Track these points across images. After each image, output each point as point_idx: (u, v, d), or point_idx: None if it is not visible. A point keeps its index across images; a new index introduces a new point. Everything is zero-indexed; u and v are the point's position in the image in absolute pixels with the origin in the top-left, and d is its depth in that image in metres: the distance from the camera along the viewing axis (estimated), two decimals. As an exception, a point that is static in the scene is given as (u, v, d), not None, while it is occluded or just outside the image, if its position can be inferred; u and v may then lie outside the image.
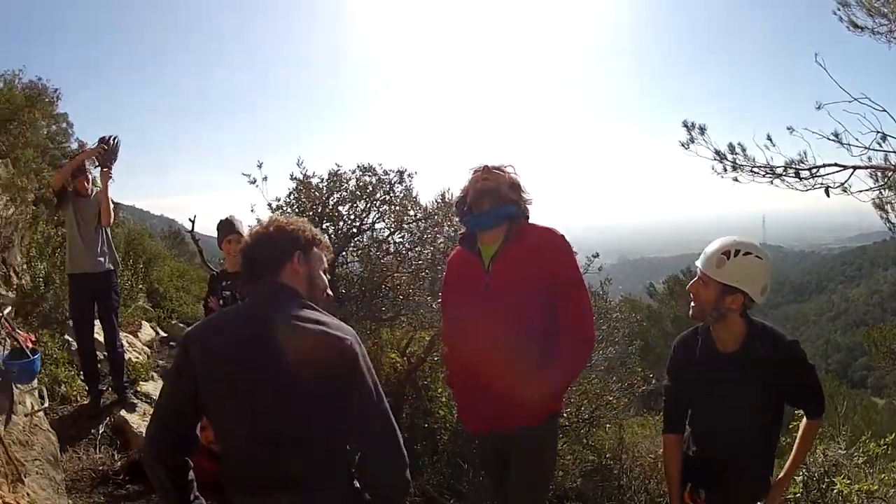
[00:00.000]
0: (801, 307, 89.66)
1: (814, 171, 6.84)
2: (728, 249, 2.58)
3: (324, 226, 6.68)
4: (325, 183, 6.81)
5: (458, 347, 3.12)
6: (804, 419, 2.86)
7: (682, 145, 7.32)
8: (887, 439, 5.23)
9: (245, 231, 4.37)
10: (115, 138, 5.69)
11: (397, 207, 6.77)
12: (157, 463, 1.91)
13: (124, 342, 6.53)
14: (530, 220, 2.93)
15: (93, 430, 5.33)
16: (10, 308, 5.14)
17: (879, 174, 6.83)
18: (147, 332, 9.22)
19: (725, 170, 7.31)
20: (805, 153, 6.87)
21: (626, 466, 7.15)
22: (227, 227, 4.48)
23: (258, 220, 6.51)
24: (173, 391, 1.96)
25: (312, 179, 6.81)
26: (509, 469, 3.00)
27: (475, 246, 2.94)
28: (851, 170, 6.71)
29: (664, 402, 3.02)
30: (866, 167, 6.72)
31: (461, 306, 3.03)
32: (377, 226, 6.89)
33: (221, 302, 4.36)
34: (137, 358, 7.33)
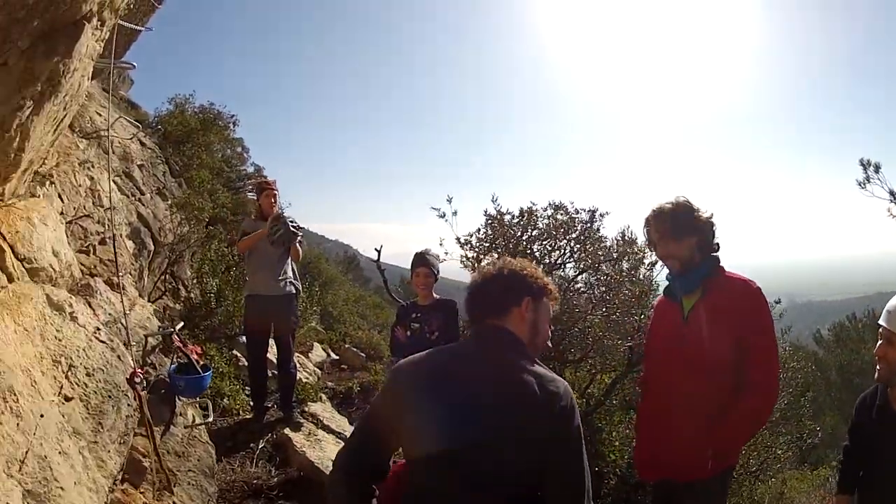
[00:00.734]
0: None
1: None
2: None
3: None
4: (518, 220, 6.77)
5: (651, 393, 3.18)
6: None
7: (860, 185, 6.79)
8: None
9: (438, 266, 4.58)
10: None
11: (589, 248, 6.66)
12: (343, 486, 1.90)
13: (296, 362, 6.58)
14: (725, 268, 2.94)
15: (251, 445, 5.34)
16: (181, 324, 5.39)
17: None
18: (318, 353, 9.46)
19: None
20: None
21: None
22: (418, 260, 4.57)
23: (465, 259, 6.65)
24: (376, 419, 1.94)
25: (505, 216, 6.77)
26: None
27: (678, 296, 2.99)
28: None
29: (842, 462, 3.11)
30: None
31: (659, 354, 3.14)
32: (567, 265, 6.81)
33: (409, 333, 4.42)
34: (307, 379, 7.44)
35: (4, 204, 3.24)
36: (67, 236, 4.12)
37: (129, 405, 3.64)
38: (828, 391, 15.89)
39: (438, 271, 4.64)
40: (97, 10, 3.01)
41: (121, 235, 5.36)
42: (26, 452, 2.54)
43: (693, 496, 2.87)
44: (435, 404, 1.80)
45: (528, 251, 6.67)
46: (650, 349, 3.32)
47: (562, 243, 6.71)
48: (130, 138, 7.15)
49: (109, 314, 4.17)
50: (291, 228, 5.49)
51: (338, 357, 9.83)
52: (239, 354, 6.94)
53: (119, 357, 3.79)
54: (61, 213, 4.19)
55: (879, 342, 2.61)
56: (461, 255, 6.83)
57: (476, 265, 6.73)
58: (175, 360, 4.84)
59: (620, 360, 6.68)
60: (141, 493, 3.63)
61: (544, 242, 6.76)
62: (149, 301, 5.96)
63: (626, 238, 6.77)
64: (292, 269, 5.80)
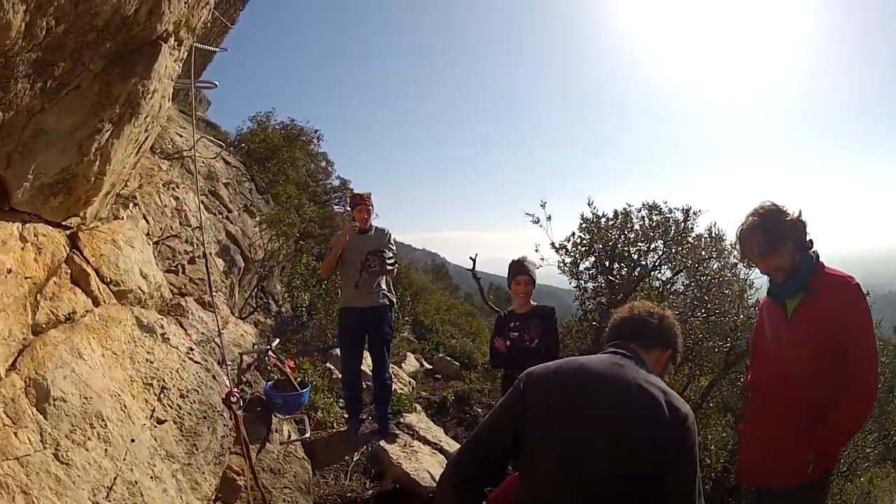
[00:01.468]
0: None
1: None
2: None
3: (614, 267, 6.66)
4: (613, 222, 6.73)
5: (757, 396, 3.15)
6: None
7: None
8: None
9: (535, 273, 4.49)
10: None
11: (684, 248, 6.56)
12: (453, 488, 1.94)
13: (391, 373, 6.49)
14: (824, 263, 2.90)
15: (346, 457, 5.25)
16: (276, 340, 5.38)
17: None
18: (412, 363, 9.34)
19: None
20: None
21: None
22: (517, 268, 4.48)
23: (563, 264, 6.70)
24: (496, 426, 1.99)
25: (601, 220, 6.73)
26: None
27: (781, 298, 2.96)
28: None
29: None
30: None
31: (765, 356, 3.12)
32: (662, 267, 6.77)
33: (508, 343, 4.37)
34: (402, 389, 7.36)
35: (87, 227, 3.24)
36: (155, 257, 4.13)
37: (224, 425, 3.58)
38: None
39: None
40: (174, 30, 2.95)
41: (210, 254, 5.40)
42: (115, 478, 2.48)
43: (794, 501, 2.88)
44: (561, 414, 1.85)
45: (626, 253, 6.62)
46: (755, 351, 3.30)
47: (657, 244, 6.63)
48: (214, 157, 7.30)
49: (202, 333, 4.16)
50: (387, 265, 5.51)
51: (431, 366, 9.69)
52: (332, 367, 6.93)
53: (214, 377, 3.74)
54: (147, 234, 4.21)
55: None
56: (558, 261, 6.84)
57: (574, 270, 6.78)
58: (271, 376, 4.81)
59: (717, 362, 6.50)
60: (235, 512, 3.56)
61: (640, 245, 6.67)
62: (240, 318, 6.00)
63: (714, 235, 6.64)
64: (386, 282, 5.73)
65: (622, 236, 6.72)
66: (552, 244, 6.81)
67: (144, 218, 4.24)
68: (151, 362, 3.23)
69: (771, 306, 3.06)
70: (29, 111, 2.28)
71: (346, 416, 5.93)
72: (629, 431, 1.78)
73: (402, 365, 8.96)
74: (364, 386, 6.20)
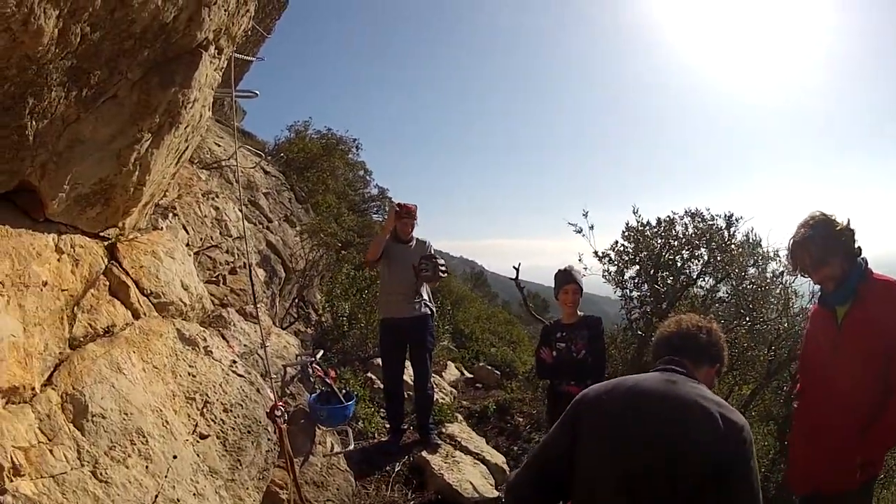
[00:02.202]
0: None
1: None
2: None
3: (659, 276, 6.62)
4: (657, 230, 6.69)
5: (806, 404, 3.19)
6: None
7: None
8: None
9: (582, 283, 4.44)
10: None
11: (727, 256, 6.44)
12: None
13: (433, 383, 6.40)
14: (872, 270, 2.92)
15: (387, 468, 5.17)
16: (321, 352, 5.33)
17: None
18: (452, 372, 9.25)
19: None
20: None
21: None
22: (565, 277, 4.41)
23: (607, 274, 6.66)
24: (552, 445, 2.00)
25: (646, 229, 6.69)
26: None
27: (832, 305, 2.98)
28: None
29: None
30: None
31: (814, 364, 3.13)
32: (706, 275, 6.67)
33: (555, 353, 4.32)
34: (443, 399, 7.25)
35: (126, 238, 3.20)
36: (196, 267, 4.10)
37: (269, 439, 3.51)
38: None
39: None
40: (213, 38, 2.90)
41: (252, 264, 5.38)
42: (156, 496, 2.41)
43: None
44: (616, 434, 1.83)
45: (671, 262, 6.58)
46: (805, 359, 3.33)
47: (701, 251, 6.55)
48: (253, 167, 7.31)
49: (245, 345, 4.10)
50: (440, 273, 5.47)
51: (472, 375, 9.57)
52: (374, 377, 6.87)
53: (258, 390, 3.67)
54: (187, 245, 4.19)
55: None
56: (603, 270, 6.84)
57: (619, 279, 6.78)
58: (314, 388, 4.74)
59: (760, 371, 6.39)
60: (277, 526, 3.48)
61: (684, 252, 6.61)
62: (281, 328, 5.97)
63: (751, 241, 6.54)
64: (427, 291, 5.64)
65: (667, 244, 6.65)
66: (595, 253, 6.78)
67: (184, 228, 4.21)
68: (194, 376, 3.17)
69: (821, 314, 3.10)
70: (64, 120, 2.23)
71: (388, 426, 5.86)
72: (686, 448, 1.77)
73: (443, 374, 8.87)
74: (407, 396, 6.11)
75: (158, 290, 3.26)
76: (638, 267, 6.74)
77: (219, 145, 5.50)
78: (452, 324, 11.60)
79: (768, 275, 6.48)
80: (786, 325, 6.15)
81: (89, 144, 2.45)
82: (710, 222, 6.56)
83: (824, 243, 2.88)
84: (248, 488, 3.19)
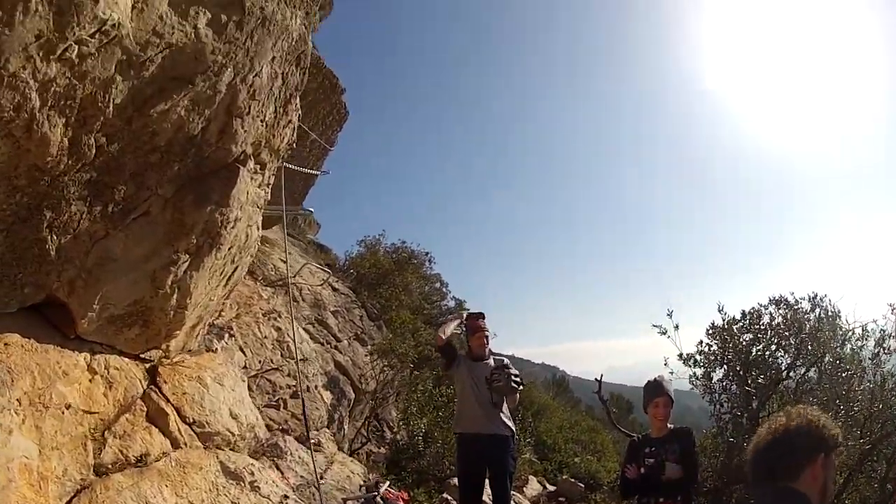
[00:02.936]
0: None
1: None
2: None
3: (750, 376, 6.37)
4: (741, 324, 6.50)
5: None
6: None
7: None
8: None
9: (672, 392, 4.09)
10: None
11: (818, 344, 6.16)
12: None
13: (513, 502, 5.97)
14: None
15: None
16: (387, 483, 4.95)
17: None
18: (534, 486, 8.82)
19: None
20: None
21: None
22: (655, 389, 4.05)
23: (695, 378, 6.49)
24: None
25: (734, 326, 6.52)
26: None
27: None
28: None
29: None
30: None
31: None
32: (797, 366, 6.39)
33: (642, 470, 3.93)
34: (525, 517, 6.68)
35: (170, 362, 3.02)
36: (253, 391, 3.88)
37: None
38: None
39: None
40: (253, 152, 2.81)
41: (315, 387, 5.13)
42: None
43: None
44: None
45: (759, 359, 6.32)
46: None
47: (790, 341, 6.29)
48: (321, 284, 7.26)
49: (301, 477, 3.80)
50: (512, 383, 5.11)
51: (554, 488, 9.14)
52: (450, 497, 6.42)
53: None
54: (244, 367, 4.00)
55: None
56: (690, 374, 6.63)
57: (707, 384, 6.57)
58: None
59: (852, 457, 5.94)
60: None
61: (772, 346, 6.37)
62: (350, 449, 5.62)
63: (829, 314, 6.32)
64: (506, 409, 5.27)
65: (754, 339, 6.40)
66: (679, 355, 6.53)
67: (241, 350, 4.05)
68: (235, 514, 2.84)
69: None
70: (91, 236, 2.13)
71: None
72: None
73: (524, 489, 8.47)
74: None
75: (202, 418, 3.03)
76: (726, 367, 6.48)
77: (284, 261, 5.47)
78: (534, 435, 11.19)
79: (864, 354, 6.21)
80: (880, 406, 5.85)
81: (121, 263, 2.34)
82: (796, 307, 6.34)
83: None
84: None
